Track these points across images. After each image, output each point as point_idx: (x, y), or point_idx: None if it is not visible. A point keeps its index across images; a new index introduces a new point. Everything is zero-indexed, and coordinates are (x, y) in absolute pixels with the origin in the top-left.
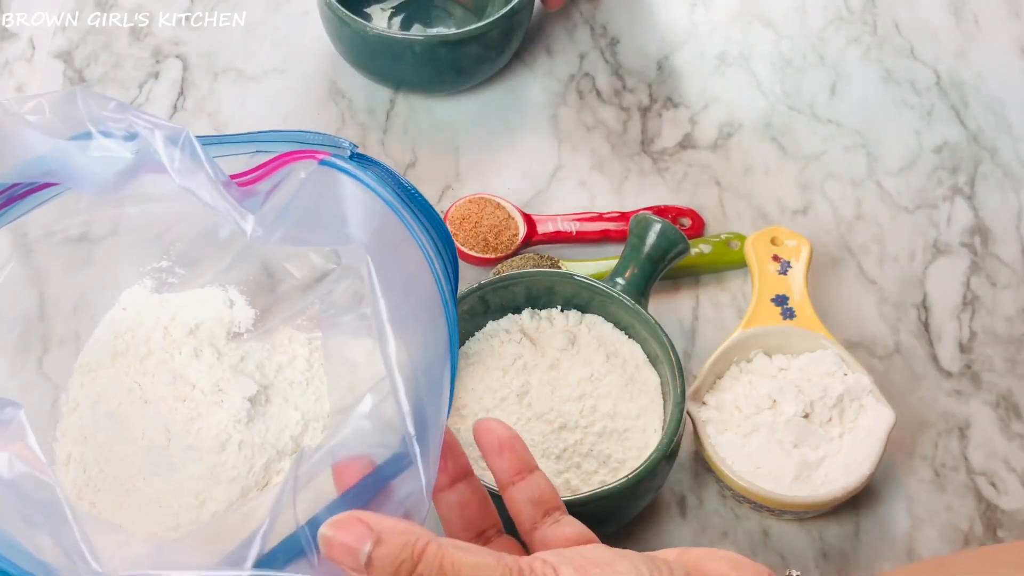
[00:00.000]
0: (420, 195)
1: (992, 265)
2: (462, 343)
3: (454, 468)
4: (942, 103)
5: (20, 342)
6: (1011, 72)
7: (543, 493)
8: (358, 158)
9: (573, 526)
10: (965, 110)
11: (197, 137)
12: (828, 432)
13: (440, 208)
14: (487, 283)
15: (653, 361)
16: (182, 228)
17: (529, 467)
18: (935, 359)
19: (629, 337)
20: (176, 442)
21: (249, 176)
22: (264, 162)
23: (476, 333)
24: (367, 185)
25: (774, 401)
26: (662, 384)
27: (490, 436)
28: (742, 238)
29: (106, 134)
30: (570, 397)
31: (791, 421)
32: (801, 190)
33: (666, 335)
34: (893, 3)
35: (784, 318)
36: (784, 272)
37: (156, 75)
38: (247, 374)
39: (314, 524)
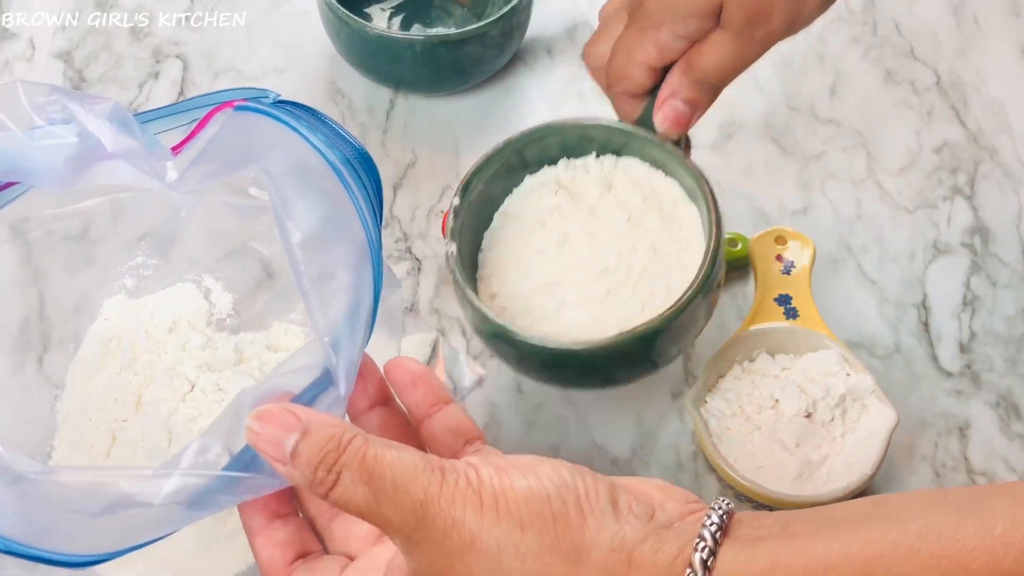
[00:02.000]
0: (347, 132)
1: (992, 265)
2: (500, 200)
3: (374, 392)
4: (942, 103)
5: (20, 342)
6: (1011, 72)
7: (461, 423)
8: (281, 103)
9: (495, 454)
10: (965, 110)
11: (135, 115)
12: (830, 432)
13: (440, 208)
14: (518, 137)
15: (692, 197)
16: (146, 218)
17: (445, 399)
18: (935, 359)
19: (667, 175)
20: (178, 442)
21: (186, 145)
22: (195, 126)
23: (513, 190)
24: (282, 121)
25: (776, 400)
26: (703, 220)
27: (402, 371)
28: (743, 238)
29: (51, 121)
30: (609, 241)
31: (793, 421)
32: (801, 190)
33: (697, 168)
34: (893, 3)
35: (787, 318)
36: (788, 272)
37: (156, 75)
38: (248, 372)
39: (245, 452)
